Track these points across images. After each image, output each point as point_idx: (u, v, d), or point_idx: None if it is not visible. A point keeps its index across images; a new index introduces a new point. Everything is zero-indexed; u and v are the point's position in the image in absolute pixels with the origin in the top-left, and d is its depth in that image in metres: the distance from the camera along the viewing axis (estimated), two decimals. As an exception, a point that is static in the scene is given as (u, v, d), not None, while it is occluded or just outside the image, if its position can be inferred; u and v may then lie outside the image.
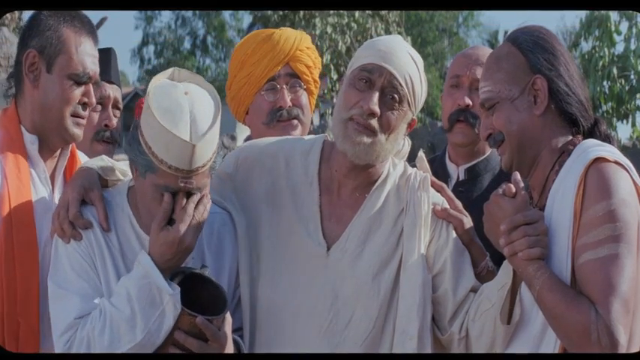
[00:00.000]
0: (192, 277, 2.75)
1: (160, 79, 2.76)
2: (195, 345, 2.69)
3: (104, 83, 3.66)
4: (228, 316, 2.76)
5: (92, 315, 2.70)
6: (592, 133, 2.75)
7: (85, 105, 3.03)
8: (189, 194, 2.73)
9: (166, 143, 2.63)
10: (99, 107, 3.69)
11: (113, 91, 3.77)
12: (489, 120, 2.80)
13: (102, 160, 3.02)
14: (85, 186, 2.87)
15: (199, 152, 2.65)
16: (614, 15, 15.53)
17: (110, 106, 3.77)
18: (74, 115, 3.01)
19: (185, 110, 2.66)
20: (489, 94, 2.78)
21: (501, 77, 2.76)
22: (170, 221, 2.71)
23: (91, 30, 3.06)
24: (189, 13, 52.94)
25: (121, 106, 3.85)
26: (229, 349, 2.76)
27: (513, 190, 2.62)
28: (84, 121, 3.06)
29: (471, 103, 3.52)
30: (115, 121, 3.76)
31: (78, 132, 3.04)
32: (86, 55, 3.01)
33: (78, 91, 3.00)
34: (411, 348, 2.86)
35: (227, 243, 2.99)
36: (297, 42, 3.61)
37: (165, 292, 2.66)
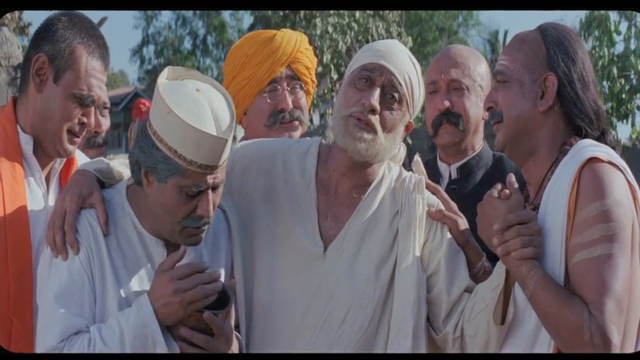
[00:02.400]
0: None
1: (161, 81, 2.75)
2: (202, 340, 2.69)
3: None
4: (232, 311, 2.77)
5: (80, 340, 2.66)
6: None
7: (82, 125, 3.03)
8: (213, 188, 2.74)
9: (197, 142, 2.63)
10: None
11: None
12: (496, 94, 2.80)
13: (98, 162, 3.01)
14: (84, 194, 2.85)
15: (227, 145, 2.68)
16: (613, 15, 15.51)
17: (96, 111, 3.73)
18: (70, 131, 3.01)
19: (206, 107, 2.69)
20: (504, 69, 2.79)
21: (520, 58, 2.77)
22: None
23: (104, 54, 3.05)
24: (189, 13, 52.93)
25: (108, 105, 3.79)
26: (234, 342, 2.78)
27: (508, 193, 2.63)
28: (79, 140, 3.06)
29: (450, 105, 3.51)
30: (104, 126, 3.73)
31: (71, 148, 3.04)
32: (94, 79, 3.00)
33: (78, 111, 3.00)
34: (405, 347, 2.87)
35: (222, 239, 3.00)
36: (298, 44, 3.65)
37: (161, 346, 2.65)
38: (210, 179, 2.70)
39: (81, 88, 2.98)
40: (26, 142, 3.00)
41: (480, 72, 3.56)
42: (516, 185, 2.67)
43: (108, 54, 3.07)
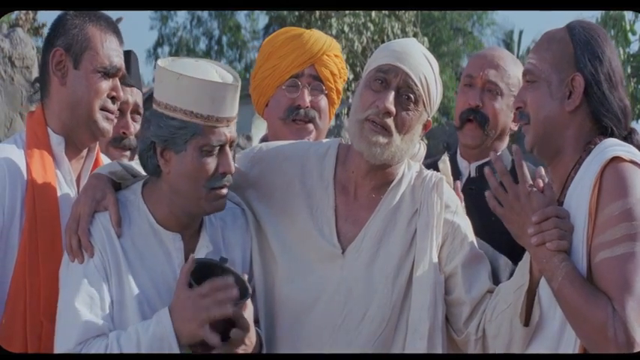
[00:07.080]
0: (211, 268, 2.79)
1: (162, 61, 2.87)
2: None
3: (124, 87, 3.43)
4: (249, 303, 2.80)
5: (97, 345, 2.70)
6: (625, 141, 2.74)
7: (113, 99, 3.07)
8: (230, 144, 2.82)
9: (211, 96, 2.74)
10: (117, 112, 3.48)
11: (133, 96, 3.72)
12: (525, 93, 2.81)
13: (112, 166, 3.04)
14: (97, 197, 2.87)
15: (238, 93, 2.80)
16: (628, 15, 15.46)
17: (129, 112, 3.72)
18: (103, 109, 3.04)
19: (209, 67, 2.86)
20: (533, 68, 2.79)
21: (548, 57, 2.77)
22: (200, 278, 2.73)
23: (116, 30, 3.11)
24: (204, 14, 52.98)
25: (141, 110, 3.81)
26: (253, 333, 2.81)
27: (542, 185, 2.64)
28: (113, 117, 3.09)
29: (481, 104, 3.54)
30: (132, 128, 3.75)
31: (107, 127, 3.07)
32: (112, 50, 3.06)
33: (106, 85, 3.04)
34: (421, 347, 2.88)
35: (239, 236, 3.03)
36: (326, 46, 3.65)
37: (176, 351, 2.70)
38: (227, 132, 2.79)
39: (102, 62, 3.03)
40: (58, 143, 3.03)
41: (516, 82, 3.53)
42: (547, 179, 2.68)
43: (118, 28, 3.14)
